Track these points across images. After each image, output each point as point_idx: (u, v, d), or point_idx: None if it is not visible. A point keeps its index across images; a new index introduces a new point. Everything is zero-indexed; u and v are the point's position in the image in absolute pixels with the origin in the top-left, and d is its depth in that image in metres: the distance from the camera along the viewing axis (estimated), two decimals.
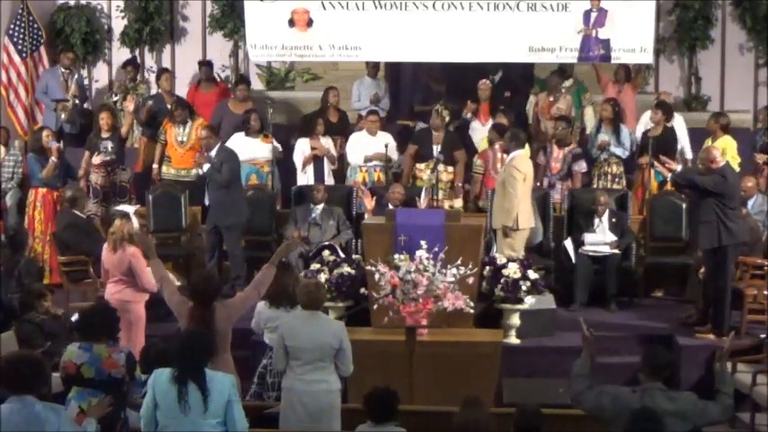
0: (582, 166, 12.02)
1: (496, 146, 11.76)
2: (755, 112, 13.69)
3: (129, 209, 11.79)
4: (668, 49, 14.19)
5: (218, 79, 14.04)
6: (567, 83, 13.13)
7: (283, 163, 12.62)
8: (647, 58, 12.18)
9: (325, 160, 12.48)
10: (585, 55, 12.01)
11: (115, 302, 9.09)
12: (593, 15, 11.85)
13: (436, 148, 12.15)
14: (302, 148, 12.46)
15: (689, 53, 14.20)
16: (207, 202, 11.40)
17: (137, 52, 14.60)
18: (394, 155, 12.44)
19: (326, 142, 12.55)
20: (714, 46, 14.21)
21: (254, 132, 12.28)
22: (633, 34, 11.85)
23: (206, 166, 11.19)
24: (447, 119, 12.44)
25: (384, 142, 12.32)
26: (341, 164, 12.72)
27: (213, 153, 11.23)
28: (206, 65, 13.85)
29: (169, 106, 12.77)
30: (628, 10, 11.81)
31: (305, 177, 12.41)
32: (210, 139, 11.35)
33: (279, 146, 12.44)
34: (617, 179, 12.17)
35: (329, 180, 12.41)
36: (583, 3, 11.85)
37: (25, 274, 10.23)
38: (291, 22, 12.18)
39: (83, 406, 6.36)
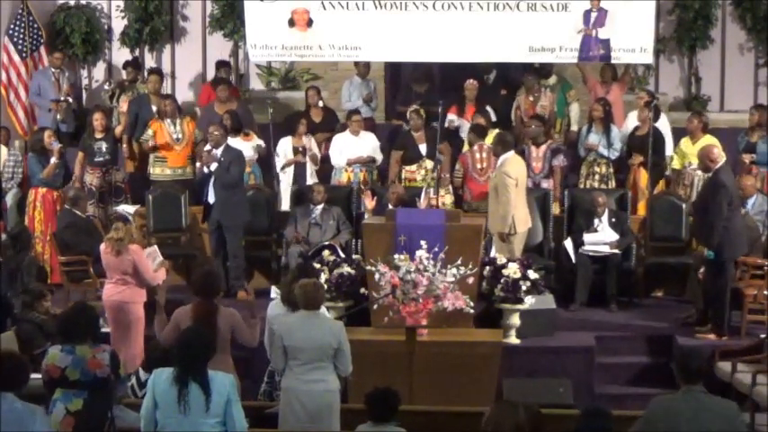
0: (561, 160, 12.01)
1: (475, 147, 11.82)
2: None
3: (130, 209, 11.79)
4: (668, 49, 14.19)
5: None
6: (551, 80, 13.11)
7: (268, 162, 12.53)
8: (647, 58, 12.17)
9: (308, 161, 12.45)
10: (585, 55, 12.00)
11: (114, 303, 9.13)
12: (593, 15, 11.83)
13: (423, 148, 12.15)
14: (284, 147, 12.41)
15: (689, 53, 14.19)
16: (210, 201, 11.35)
17: (137, 52, 14.61)
18: (378, 155, 12.43)
19: (308, 142, 12.51)
20: (714, 46, 14.21)
21: (231, 132, 12.10)
22: (633, 34, 11.84)
23: (213, 165, 11.17)
24: (423, 117, 12.40)
25: (366, 142, 12.32)
26: (325, 164, 12.66)
27: (219, 152, 11.21)
28: (225, 65, 13.84)
29: (153, 107, 12.70)
30: (628, 10, 11.80)
31: (285, 177, 12.38)
32: (221, 136, 11.32)
33: (262, 143, 12.38)
34: (605, 179, 12.17)
35: (310, 180, 12.32)
36: (583, 3, 11.83)
37: (27, 274, 10.23)
38: (291, 22, 12.17)
39: (69, 407, 6.36)
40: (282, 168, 12.40)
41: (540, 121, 12.14)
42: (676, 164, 12.14)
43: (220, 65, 13.89)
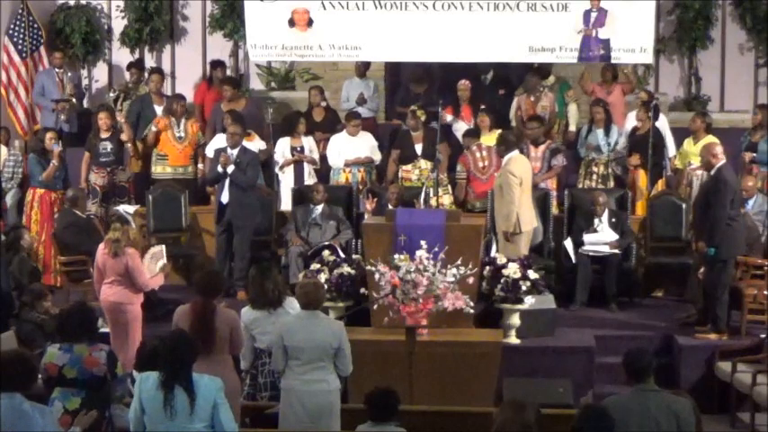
0: (560, 161, 12.03)
1: (474, 147, 11.86)
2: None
3: (130, 209, 11.78)
4: (668, 49, 14.20)
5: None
6: (550, 80, 13.12)
7: (268, 163, 12.50)
8: (647, 58, 12.17)
9: (305, 161, 12.43)
10: (585, 55, 12.00)
11: (111, 304, 9.13)
12: (593, 15, 11.83)
13: (419, 148, 12.17)
14: (282, 147, 12.40)
15: (689, 53, 14.20)
16: (224, 201, 11.32)
17: (137, 52, 14.61)
18: (376, 155, 12.44)
19: (308, 142, 12.52)
20: (714, 46, 14.21)
21: None
22: (633, 34, 11.84)
23: (230, 167, 11.15)
24: (423, 119, 12.40)
25: (364, 143, 12.32)
26: (324, 164, 12.65)
27: (235, 153, 11.21)
28: (220, 65, 13.83)
29: (156, 107, 12.71)
30: (628, 10, 11.80)
31: (284, 177, 12.38)
32: (238, 135, 11.31)
33: (263, 145, 12.39)
34: (604, 179, 12.17)
35: (309, 181, 12.32)
36: (583, 3, 11.84)
37: (18, 274, 10.20)
38: (291, 22, 12.17)
39: (67, 406, 6.37)
40: (281, 168, 12.40)
41: (539, 123, 12.16)
42: (678, 163, 12.14)
43: (215, 65, 13.88)
